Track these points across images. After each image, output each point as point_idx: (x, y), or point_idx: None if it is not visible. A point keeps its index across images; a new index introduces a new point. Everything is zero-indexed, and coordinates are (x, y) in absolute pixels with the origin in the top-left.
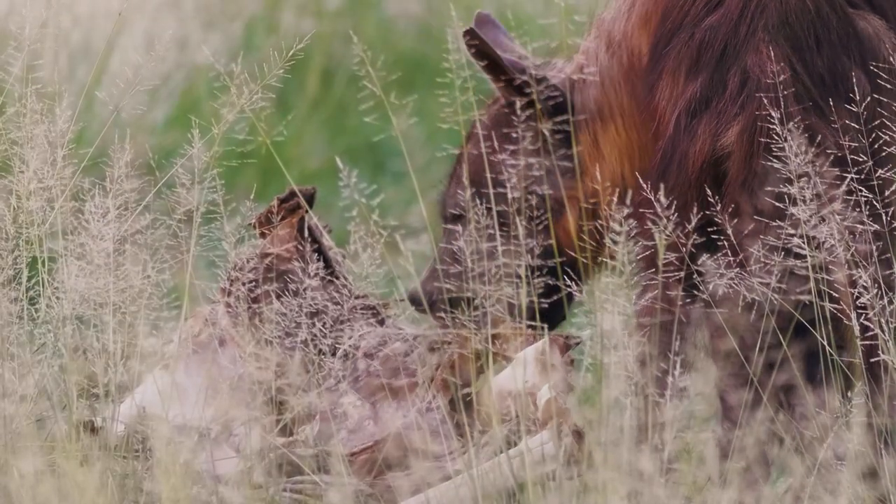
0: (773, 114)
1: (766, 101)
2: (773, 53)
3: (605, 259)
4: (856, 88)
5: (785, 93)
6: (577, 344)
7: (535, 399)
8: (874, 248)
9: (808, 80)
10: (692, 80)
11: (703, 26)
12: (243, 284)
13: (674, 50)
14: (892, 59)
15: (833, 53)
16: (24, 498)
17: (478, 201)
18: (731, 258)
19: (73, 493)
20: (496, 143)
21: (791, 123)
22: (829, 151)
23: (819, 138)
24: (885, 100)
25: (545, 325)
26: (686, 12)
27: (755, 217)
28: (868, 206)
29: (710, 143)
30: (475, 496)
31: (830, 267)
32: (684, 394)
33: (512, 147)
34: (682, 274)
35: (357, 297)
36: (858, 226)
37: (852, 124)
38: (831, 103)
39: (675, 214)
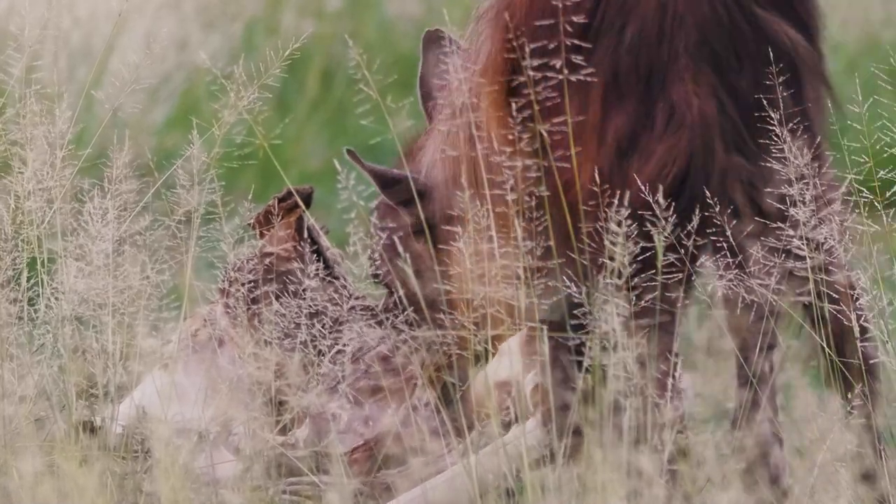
0: (773, 115)
1: (689, 137)
2: (697, 84)
3: (604, 260)
4: (777, 107)
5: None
6: (562, 330)
7: (522, 387)
8: (874, 249)
9: (734, 108)
10: (616, 112)
11: (625, 44)
12: (242, 285)
13: (590, 63)
14: (806, 64)
15: (754, 68)
16: (23, 498)
17: (478, 203)
18: (731, 259)
19: (73, 493)
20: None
21: (791, 125)
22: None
23: (742, 175)
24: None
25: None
26: (591, 16)
27: (756, 219)
28: (868, 208)
29: (642, 181)
30: (471, 490)
31: (830, 268)
32: (684, 395)
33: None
34: (683, 275)
35: (356, 298)
36: (858, 227)
37: (854, 125)
38: (759, 126)
39: (675, 216)
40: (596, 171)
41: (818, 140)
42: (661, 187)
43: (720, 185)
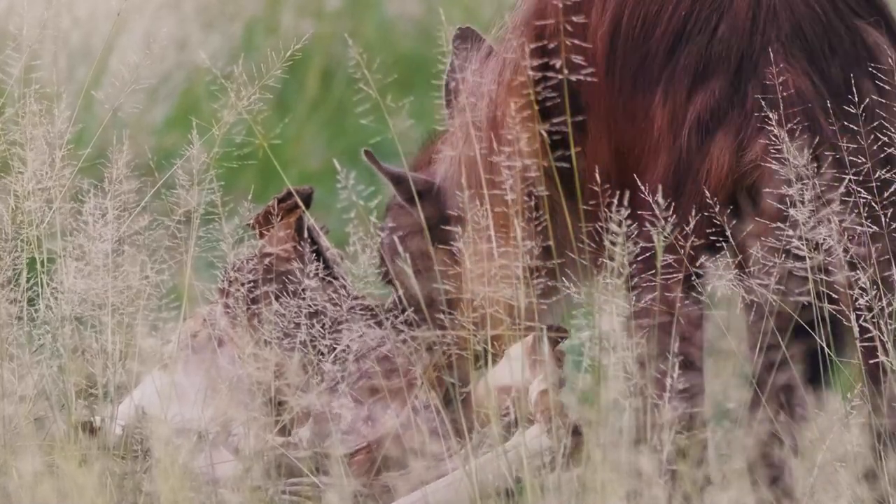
0: (772, 115)
1: (786, 114)
2: (791, 65)
3: (604, 260)
4: (867, 97)
5: (810, 105)
6: (566, 337)
7: (527, 392)
8: (873, 249)
9: (826, 90)
10: (700, 93)
11: (717, 37)
12: (242, 285)
13: (677, 60)
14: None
15: (845, 62)
16: (23, 498)
17: (478, 203)
18: (731, 259)
19: (72, 493)
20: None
21: (791, 125)
22: (834, 156)
23: (826, 146)
24: (891, 104)
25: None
26: (686, 20)
27: (756, 219)
28: (867, 208)
29: (731, 159)
30: (472, 493)
31: (830, 268)
32: (684, 395)
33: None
34: (682, 276)
35: (355, 298)
36: (857, 227)
37: (851, 126)
38: (845, 110)
39: (674, 217)
40: (670, 158)
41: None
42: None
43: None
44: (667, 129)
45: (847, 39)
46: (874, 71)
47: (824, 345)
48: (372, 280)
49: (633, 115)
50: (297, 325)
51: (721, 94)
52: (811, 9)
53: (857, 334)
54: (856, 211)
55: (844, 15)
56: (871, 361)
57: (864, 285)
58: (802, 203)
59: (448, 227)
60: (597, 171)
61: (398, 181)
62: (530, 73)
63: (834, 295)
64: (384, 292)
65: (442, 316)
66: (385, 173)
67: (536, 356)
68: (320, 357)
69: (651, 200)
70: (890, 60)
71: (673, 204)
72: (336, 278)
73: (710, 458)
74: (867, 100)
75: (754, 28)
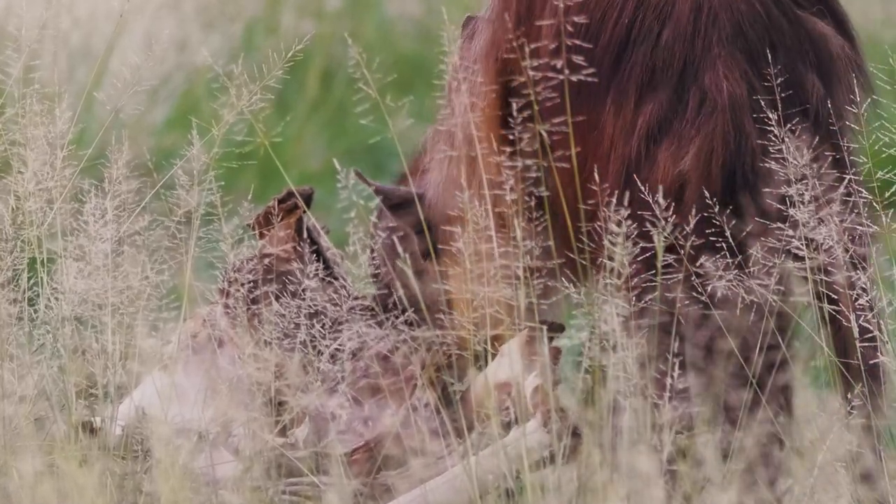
0: (771, 116)
1: (722, 121)
2: (729, 69)
3: (603, 260)
4: (812, 92)
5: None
6: (562, 331)
7: (522, 388)
8: (873, 249)
9: (765, 92)
10: (648, 103)
11: (661, 44)
12: (242, 285)
13: (624, 69)
14: (842, 60)
15: (788, 58)
16: (23, 499)
17: (477, 203)
18: (731, 260)
19: (72, 493)
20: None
21: (788, 126)
22: (787, 162)
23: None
24: (837, 95)
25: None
26: (630, 28)
27: (756, 219)
28: (867, 208)
29: (672, 168)
30: (471, 491)
31: (829, 269)
32: (684, 395)
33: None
34: (682, 276)
35: (355, 299)
36: (858, 227)
37: (853, 126)
38: (790, 107)
39: (674, 216)
40: (622, 163)
41: (843, 136)
42: (706, 176)
43: (752, 165)
44: (617, 138)
45: (790, 34)
46: (819, 63)
47: (824, 345)
48: (372, 281)
49: (586, 123)
50: (297, 326)
51: (668, 103)
52: (752, 7)
53: (857, 334)
54: (856, 211)
55: (787, 9)
56: (871, 361)
57: (864, 285)
58: (803, 203)
59: (442, 229)
60: (595, 172)
61: (386, 196)
62: (530, 72)
63: (834, 295)
64: (382, 293)
65: (441, 316)
66: (375, 190)
67: (532, 352)
68: (320, 357)
69: (651, 201)
70: (834, 50)
71: (625, 212)
72: (336, 279)
73: (710, 459)
74: (812, 95)
75: (696, 32)
